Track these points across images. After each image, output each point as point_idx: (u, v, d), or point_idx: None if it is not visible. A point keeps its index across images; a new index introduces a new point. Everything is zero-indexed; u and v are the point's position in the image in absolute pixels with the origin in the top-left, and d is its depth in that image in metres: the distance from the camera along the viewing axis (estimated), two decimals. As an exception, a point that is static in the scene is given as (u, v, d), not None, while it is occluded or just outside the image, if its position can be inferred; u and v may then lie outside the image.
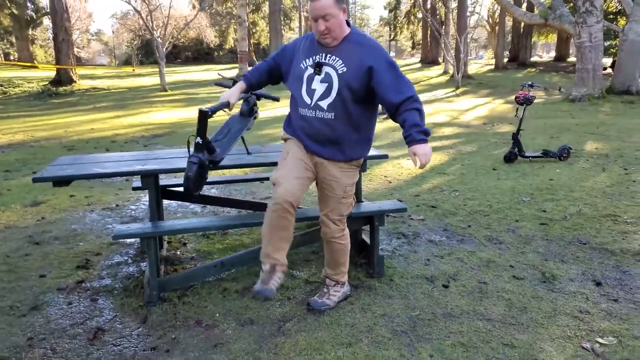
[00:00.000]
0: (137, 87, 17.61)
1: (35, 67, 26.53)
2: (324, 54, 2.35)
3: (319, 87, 2.33)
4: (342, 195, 2.51)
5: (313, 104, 2.35)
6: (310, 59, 2.38)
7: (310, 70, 2.35)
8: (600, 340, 2.36)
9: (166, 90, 16.33)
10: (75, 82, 18.83)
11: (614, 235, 3.67)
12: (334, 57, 2.33)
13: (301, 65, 2.40)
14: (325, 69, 2.32)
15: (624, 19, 14.72)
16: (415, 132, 2.24)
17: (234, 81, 2.55)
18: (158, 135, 8.44)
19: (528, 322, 2.53)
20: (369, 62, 2.29)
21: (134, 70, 27.96)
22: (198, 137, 2.48)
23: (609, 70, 16.33)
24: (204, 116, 2.42)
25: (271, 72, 2.63)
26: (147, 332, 2.46)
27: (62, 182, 2.63)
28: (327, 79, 2.30)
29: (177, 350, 2.31)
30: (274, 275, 2.38)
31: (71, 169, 2.72)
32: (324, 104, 2.34)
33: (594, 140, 7.35)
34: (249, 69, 2.46)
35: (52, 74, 19.92)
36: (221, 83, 2.54)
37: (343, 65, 2.30)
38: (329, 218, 2.56)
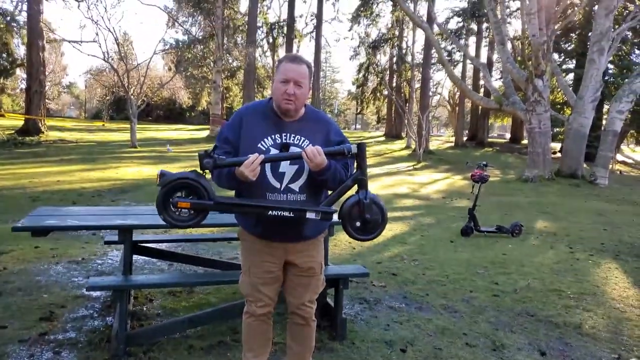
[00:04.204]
0: (107, 142, 17.65)
1: (2, 115, 26.16)
2: (287, 134, 2.20)
3: (288, 169, 2.16)
4: (320, 271, 2.36)
5: (283, 187, 2.16)
6: (270, 138, 2.18)
7: (275, 151, 2.16)
8: (542, 405, 2.54)
9: (136, 147, 16.43)
10: (43, 133, 18.69)
11: (558, 309, 3.95)
12: (298, 136, 2.20)
13: (260, 145, 2.16)
14: (293, 149, 2.16)
15: (570, 109, 16.06)
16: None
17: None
18: (125, 191, 8.47)
19: (478, 386, 2.69)
20: (333, 137, 2.26)
21: (104, 125, 27.99)
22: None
23: (558, 154, 17.53)
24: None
25: None
26: (111, 386, 2.49)
27: (41, 232, 2.72)
28: (297, 161, 2.14)
29: (141, 404, 2.35)
30: None
31: (52, 220, 2.82)
32: (296, 186, 2.19)
33: (544, 219, 7.86)
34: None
35: (18, 123, 19.72)
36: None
37: (310, 145, 2.16)
38: (311, 302, 2.37)
